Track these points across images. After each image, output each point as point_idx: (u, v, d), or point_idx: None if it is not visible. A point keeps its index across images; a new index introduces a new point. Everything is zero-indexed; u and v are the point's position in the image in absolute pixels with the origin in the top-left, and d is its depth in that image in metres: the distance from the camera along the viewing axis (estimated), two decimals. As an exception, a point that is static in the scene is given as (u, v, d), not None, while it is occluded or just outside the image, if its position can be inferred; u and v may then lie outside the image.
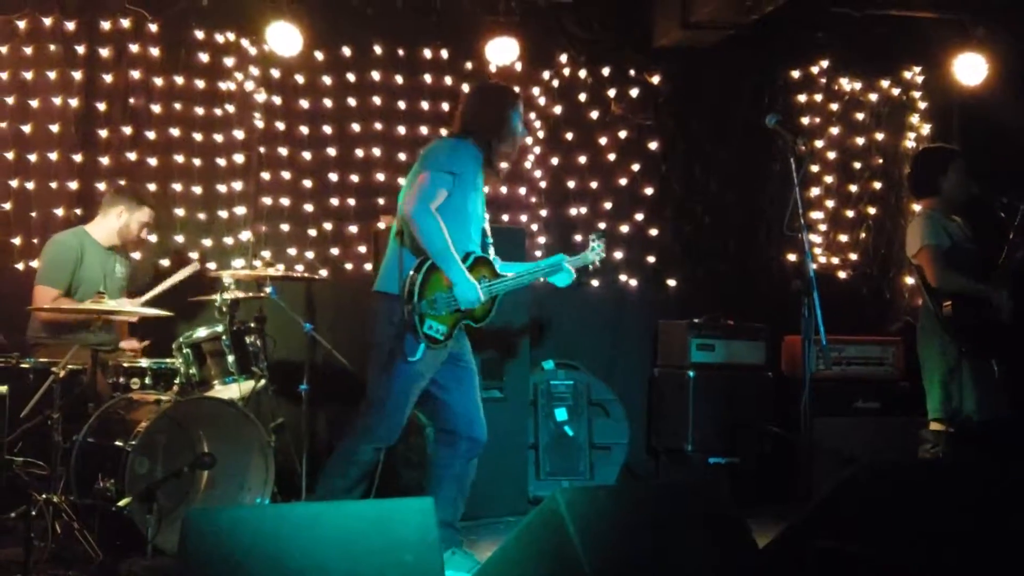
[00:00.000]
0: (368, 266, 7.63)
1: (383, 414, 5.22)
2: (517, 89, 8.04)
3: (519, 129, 5.59)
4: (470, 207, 5.37)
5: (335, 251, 7.82)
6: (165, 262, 7.50)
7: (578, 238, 8.23)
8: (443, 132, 7.83)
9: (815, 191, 8.65)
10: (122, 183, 7.21)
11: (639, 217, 8.39)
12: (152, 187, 7.45)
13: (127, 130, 7.54)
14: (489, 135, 5.46)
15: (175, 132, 7.60)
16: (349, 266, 7.81)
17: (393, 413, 5.22)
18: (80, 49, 7.50)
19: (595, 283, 8.25)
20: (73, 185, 7.42)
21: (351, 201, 7.87)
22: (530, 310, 7.35)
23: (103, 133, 7.51)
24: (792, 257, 8.29)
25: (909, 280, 8.50)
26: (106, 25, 7.53)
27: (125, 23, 7.54)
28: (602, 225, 8.23)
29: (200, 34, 7.65)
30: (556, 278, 5.83)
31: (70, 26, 7.48)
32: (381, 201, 7.80)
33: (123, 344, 6.68)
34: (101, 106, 7.51)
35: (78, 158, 7.46)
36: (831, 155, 8.73)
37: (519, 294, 7.17)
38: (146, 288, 6.88)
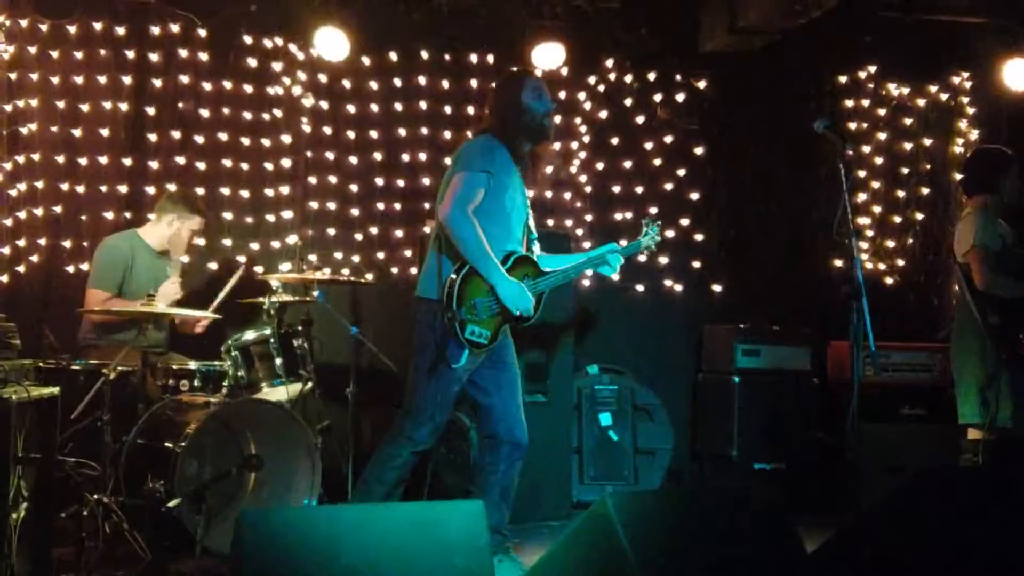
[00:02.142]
0: (414, 270, 7.66)
1: (423, 418, 5.22)
2: (553, 96, 8.15)
3: (540, 110, 5.41)
4: (508, 204, 5.30)
5: (381, 255, 7.85)
6: (213, 265, 7.56)
7: (623, 243, 8.20)
8: (469, 135, 7.91)
9: (862, 196, 8.59)
10: (172, 188, 7.27)
11: (684, 222, 8.37)
12: (200, 191, 7.52)
13: (176, 134, 7.62)
14: (512, 129, 5.37)
15: (223, 136, 7.67)
16: (395, 270, 7.84)
17: (434, 417, 5.23)
18: (130, 54, 7.58)
19: (640, 288, 8.26)
20: (123, 188, 7.51)
21: (397, 205, 7.91)
22: (575, 314, 7.34)
23: (152, 137, 7.59)
24: (838, 263, 8.25)
25: (956, 286, 8.42)
26: (156, 30, 7.61)
27: (174, 28, 7.62)
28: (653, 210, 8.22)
29: (248, 39, 7.72)
30: (604, 268, 5.75)
31: (120, 31, 7.57)
32: (427, 205, 7.82)
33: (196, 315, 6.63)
34: (151, 110, 7.60)
35: (128, 162, 7.55)
36: (878, 160, 8.67)
37: (563, 298, 7.19)
38: (200, 293, 6.94)
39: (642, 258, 8.11)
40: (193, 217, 6.79)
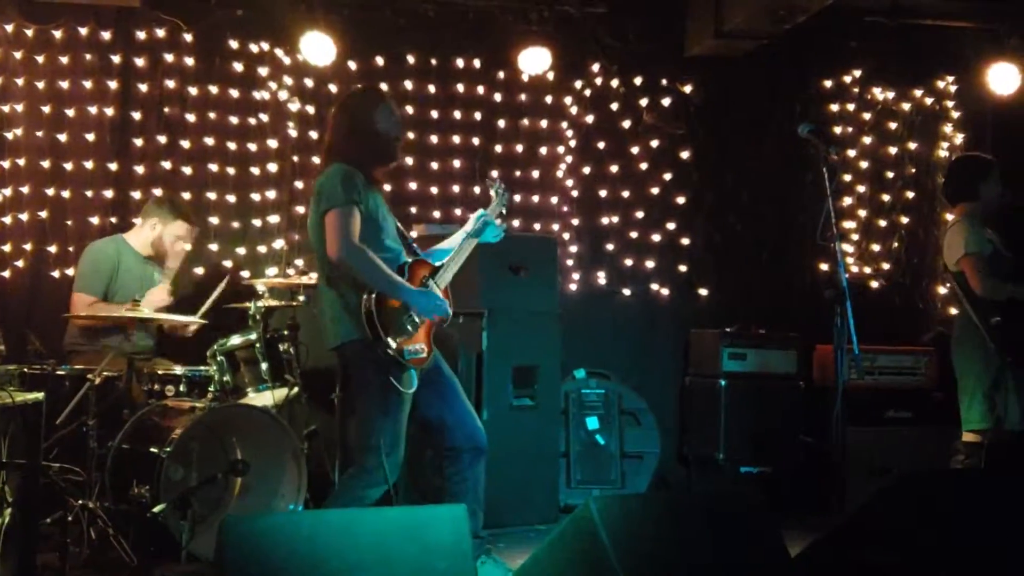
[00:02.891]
0: (400, 274, 7.65)
1: (385, 454, 4.99)
2: (539, 101, 8.16)
3: (393, 134, 5.29)
4: (383, 224, 5.19)
5: (367, 259, 7.83)
6: (199, 270, 7.55)
7: (610, 247, 8.23)
8: (456, 139, 7.92)
9: (848, 200, 8.60)
10: (158, 193, 7.28)
11: (671, 226, 8.38)
12: (187, 195, 7.51)
13: (162, 139, 7.60)
14: (364, 154, 5.20)
15: (209, 141, 7.65)
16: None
17: (398, 446, 5.05)
18: (115, 59, 7.57)
19: (627, 292, 8.27)
20: (108, 194, 7.49)
21: (383, 210, 7.89)
22: (561, 319, 7.34)
23: (138, 142, 7.58)
24: (824, 266, 8.26)
25: (942, 290, 8.46)
26: (141, 35, 7.60)
27: (160, 33, 7.61)
28: (634, 234, 8.24)
29: (234, 44, 7.71)
30: (485, 236, 5.56)
31: (106, 36, 7.56)
32: (413, 210, 7.83)
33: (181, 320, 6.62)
34: (136, 115, 7.58)
35: (113, 167, 7.54)
36: (864, 164, 8.68)
37: (550, 303, 7.21)
38: (186, 297, 6.94)
39: (629, 262, 8.22)
40: (175, 222, 6.76)
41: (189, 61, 7.65)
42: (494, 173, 5.70)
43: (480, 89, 8.10)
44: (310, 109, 7.80)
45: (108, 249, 6.71)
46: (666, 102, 8.37)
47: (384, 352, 4.93)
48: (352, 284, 5.00)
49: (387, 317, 4.97)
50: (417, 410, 5.18)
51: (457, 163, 8.04)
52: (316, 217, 5.07)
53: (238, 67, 7.72)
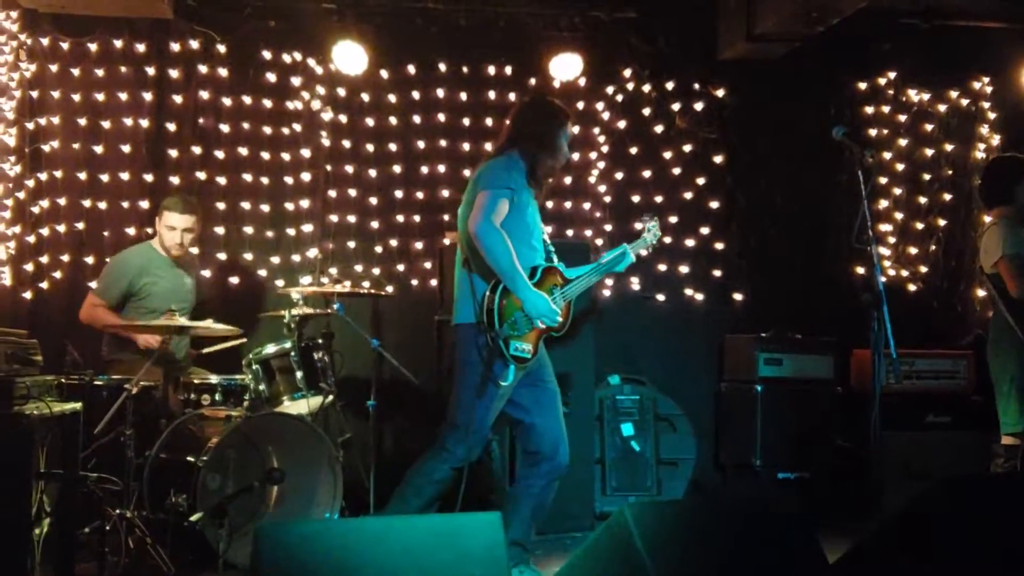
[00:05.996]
0: (434, 282, 7.67)
1: (467, 435, 5.21)
2: (571, 107, 8.14)
3: (565, 148, 5.53)
4: (529, 220, 5.36)
5: (401, 267, 7.87)
6: (235, 280, 7.59)
7: (643, 252, 8.19)
8: (487, 146, 7.91)
9: (883, 203, 8.54)
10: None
11: (704, 231, 8.35)
12: (221, 205, 7.60)
13: (196, 150, 7.67)
14: (534, 148, 5.40)
15: (243, 151, 7.71)
16: (415, 282, 7.86)
17: (477, 433, 5.24)
18: (150, 70, 7.64)
19: (661, 297, 8.24)
20: (144, 204, 7.56)
21: (417, 218, 7.93)
22: (596, 324, 7.32)
23: (173, 153, 7.65)
24: (860, 270, 8.21)
25: (980, 292, 8.38)
26: (175, 47, 7.66)
27: (194, 44, 7.67)
28: (668, 240, 8.20)
29: (267, 54, 7.76)
30: (619, 266, 5.83)
31: (140, 48, 7.63)
32: (446, 217, 7.83)
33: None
34: (171, 126, 7.65)
35: (149, 178, 7.61)
36: (899, 167, 8.62)
37: (583, 308, 7.18)
38: (218, 307, 6.97)
39: (662, 267, 8.19)
40: (163, 213, 6.78)
41: (223, 72, 7.71)
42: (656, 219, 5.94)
43: (512, 96, 8.09)
44: (343, 118, 7.85)
45: (132, 259, 6.78)
46: (699, 106, 8.34)
47: (491, 339, 5.09)
48: (483, 272, 5.20)
49: (507, 308, 5.16)
50: (513, 407, 5.37)
51: (490, 170, 8.03)
52: (471, 195, 5.26)
53: (271, 77, 7.77)
